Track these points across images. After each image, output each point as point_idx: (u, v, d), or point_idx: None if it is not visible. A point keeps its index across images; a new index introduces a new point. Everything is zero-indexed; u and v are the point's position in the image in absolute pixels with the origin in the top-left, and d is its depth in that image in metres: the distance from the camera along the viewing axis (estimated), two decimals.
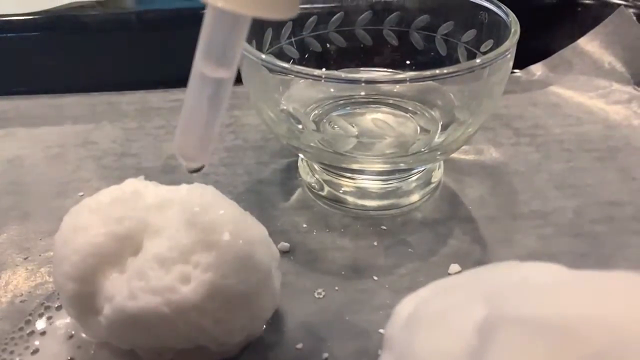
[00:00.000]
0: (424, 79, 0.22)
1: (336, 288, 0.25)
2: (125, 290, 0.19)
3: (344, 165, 0.27)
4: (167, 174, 0.32)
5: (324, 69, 0.31)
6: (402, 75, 0.22)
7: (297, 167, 0.32)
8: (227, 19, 0.16)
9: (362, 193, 0.29)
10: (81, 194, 0.30)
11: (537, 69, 0.41)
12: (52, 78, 0.40)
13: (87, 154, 0.34)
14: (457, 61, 0.30)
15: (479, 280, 0.16)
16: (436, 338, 0.14)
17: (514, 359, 0.13)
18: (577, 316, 0.13)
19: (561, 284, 0.15)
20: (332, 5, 0.33)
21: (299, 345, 0.22)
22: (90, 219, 0.21)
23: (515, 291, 0.15)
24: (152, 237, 0.20)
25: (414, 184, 0.29)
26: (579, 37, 0.40)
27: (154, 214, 0.21)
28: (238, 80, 0.28)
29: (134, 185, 0.22)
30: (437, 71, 0.22)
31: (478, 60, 0.23)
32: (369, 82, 0.23)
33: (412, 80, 0.22)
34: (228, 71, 0.17)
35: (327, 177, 0.30)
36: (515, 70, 0.41)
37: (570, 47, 0.41)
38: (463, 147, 0.33)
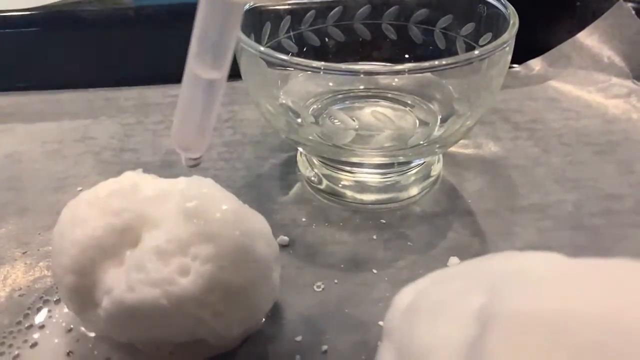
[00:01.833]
0: (422, 70, 0.22)
1: (335, 281, 0.25)
2: (124, 283, 0.19)
3: (343, 159, 0.27)
4: (166, 168, 0.32)
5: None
6: (400, 66, 0.22)
7: (296, 162, 0.32)
8: (220, 9, 0.16)
9: (361, 187, 0.29)
10: (79, 188, 0.30)
11: (536, 64, 0.41)
12: (50, 74, 0.40)
13: (85, 149, 0.34)
14: (456, 54, 0.30)
15: (478, 270, 0.16)
16: (435, 327, 0.14)
17: (510, 352, 0.12)
18: (572, 308, 0.13)
19: (558, 274, 0.15)
20: None
21: (299, 338, 0.22)
22: (89, 211, 0.20)
23: (513, 282, 0.15)
24: (151, 229, 0.20)
25: (413, 178, 0.29)
26: (577, 32, 0.40)
27: (152, 206, 0.21)
28: (237, 75, 0.28)
29: (132, 178, 0.22)
30: (436, 62, 0.22)
31: (476, 52, 0.23)
32: (367, 73, 0.23)
33: (411, 71, 0.22)
34: (220, 72, 0.17)
35: (327, 172, 0.30)
36: (514, 65, 0.41)
37: (569, 42, 0.41)
38: (462, 142, 0.33)
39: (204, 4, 0.16)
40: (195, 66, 0.17)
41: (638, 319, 0.12)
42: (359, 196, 0.29)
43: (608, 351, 0.12)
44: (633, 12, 0.39)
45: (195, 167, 0.19)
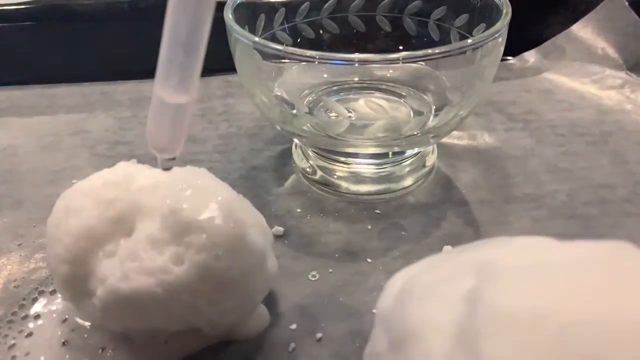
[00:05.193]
0: (416, 59, 0.22)
1: (330, 270, 0.25)
2: (118, 272, 0.19)
3: (337, 149, 0.27)
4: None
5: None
6: (394, 55, 0.22)
7: (291, 154, 0.32)
8: (185, 27, 0.16)
9: (355, 178, 0.29)
10: (74, 181, 0.30)
11: (531, 56, 0.41)
12: (45, 68, 0.40)
13: (80, 143, 0.34)
14: None
15: (469, 255, 0.16)
16: (426, 310, 0.14)
17: (499, 336, 0.13)
18: (559, 294, 0.13)
19: (547, 260, 0.15)
20: None
21: (293, 326, 0.22)
22: (83, 201, 0.21)
23: (501, 266, 0.15)
24: (145, 218, 0.20)
25: (407, 169, 0.29)
26: (572, 24, 0.41)
27: (147, 195, 0.21)
28: (232, 68, 0.28)
29: (126, 168, 0.22)
30: (430, 51, 0.22)
31: (469, 41, 0.23)
32: (362, 61, 0.23)
33: (405, 60, 0.22)
34: (187, 95, 0.17)
35: (321, 163, 0.30)
36: (508, 58, 0.41)
37: (564, 34, 0.41)
38: (457, 133, 0.33)
39: (170, 20, 0.16)
40: (160, 88, 0.16)
41: (624, 305, 0.12)
42: (353, 187, 0.29)
43: (592, 336, 0.12)
44: (626, 3, 0.39)
45: (169, 169, 0.19)
